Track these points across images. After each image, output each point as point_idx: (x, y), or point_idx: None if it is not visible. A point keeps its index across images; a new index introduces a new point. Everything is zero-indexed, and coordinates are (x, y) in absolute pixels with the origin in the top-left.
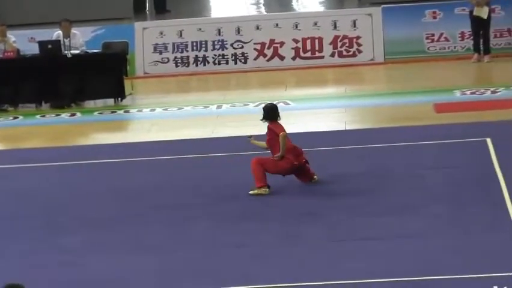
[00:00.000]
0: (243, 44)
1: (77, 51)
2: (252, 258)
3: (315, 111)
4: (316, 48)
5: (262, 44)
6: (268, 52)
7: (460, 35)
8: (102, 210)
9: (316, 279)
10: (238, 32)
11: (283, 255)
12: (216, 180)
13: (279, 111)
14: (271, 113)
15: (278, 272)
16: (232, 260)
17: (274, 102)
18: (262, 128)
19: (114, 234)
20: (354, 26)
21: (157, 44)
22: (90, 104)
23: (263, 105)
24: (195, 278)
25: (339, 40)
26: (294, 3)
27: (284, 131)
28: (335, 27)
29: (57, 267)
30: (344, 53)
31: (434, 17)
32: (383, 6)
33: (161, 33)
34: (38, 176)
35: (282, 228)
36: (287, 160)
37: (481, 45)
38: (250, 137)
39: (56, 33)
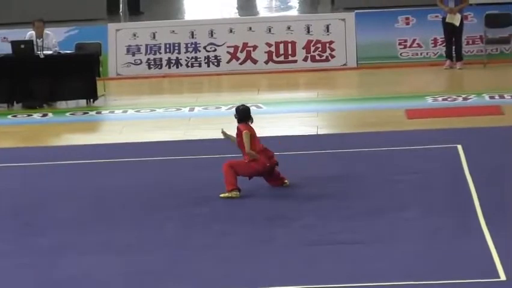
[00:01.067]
0: (216, 47)
1: (50, 52)
2: (223, 260)
3: (287, 115)
4: (290, 52)
5: (235, 47)
6: (241, 55)
7: (432, 42)
8: (73, 211)
9: (288, 283)
10: (212, 35)
11: (254, 258)
12: (187, 183)
13: (254, 115)
14: (242, 114)
15: (249, 275)
16: (203, 262)
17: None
18: (234, 131)
19: (85, 235)
20: (328, 31)
21: (130, 46)
22: (62, 104)
23: (237, 105)
24: (164, 279)
25: (312, 44)
26: (267, 7)
27: (249, 130)
28: (308, 31)
29: (28, 268)
30: (317, 57)
31: (407, 23)
32: (356, 11)
33: (135, 35)
34: (8, 176)
35: (253, 231)
36: (259, 162)
37: (453, 52)
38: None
39: (29, 34)
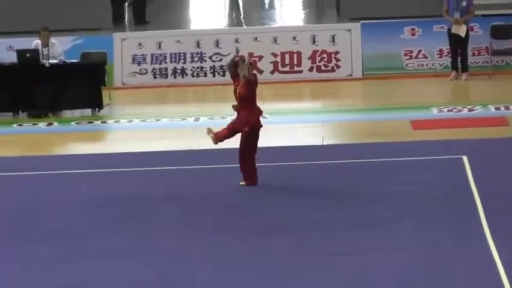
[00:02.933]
0: (221, 57)
1: (55, 61)
2: (220, 271)
3: (293, 126)
4: (295, 62)
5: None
6: None
7: (438, 52)
8: (76, 219)
9: None
10: (217, 45)
11: (251, 268)
12: (190, 192)
13: None
14: (230, 69)
15: (246, 285)
16: (201, 271)
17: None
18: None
19: (84, 243)
20: (333, 41)
21: (135, 55)
22: (67, 113)
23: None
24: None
25: (317, 55)
26: (273, 17)
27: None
28: (314, 41)
29: (23, 277)
30: (323, 67)
31: (413, 34)
32: (362, 22)
33: (140, 45)
34: (12, 185)
35: (251, 241)
36: (255, 112)
37: (459, 63)
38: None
39: (35, 42)
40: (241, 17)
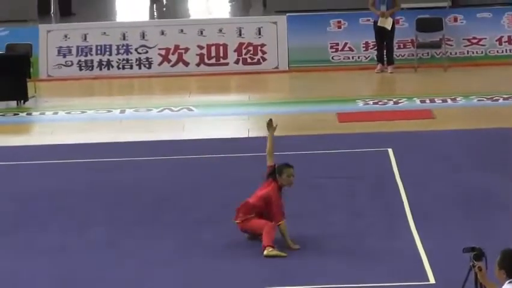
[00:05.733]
0: (147, 49)
1: None
2: (150, 263)
3: (219, 118)
4: (221, 55)
5: (167, 50)
6: (173, 58)
7: (363, 45)
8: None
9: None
10: (143, 37)
11: (182, 261)
12: (116, 184)
13: (186, 117)
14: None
15: (177, 277)
16: (129, 265)
17: (178, 109)
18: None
19: (10, 237)
20: (259, 34)
21: (61, 47)
22: None
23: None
24: (90, 281)
25: (243, 47)
26: (199, 9)
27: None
28: (240, 34)
29: None
30: (249, 60)
31: (339, 27)
32: (288, 14)
33: (66, 36)
34: None
35: (180, 233)
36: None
37: (385, 56)
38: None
39: None
40: (164, 9)
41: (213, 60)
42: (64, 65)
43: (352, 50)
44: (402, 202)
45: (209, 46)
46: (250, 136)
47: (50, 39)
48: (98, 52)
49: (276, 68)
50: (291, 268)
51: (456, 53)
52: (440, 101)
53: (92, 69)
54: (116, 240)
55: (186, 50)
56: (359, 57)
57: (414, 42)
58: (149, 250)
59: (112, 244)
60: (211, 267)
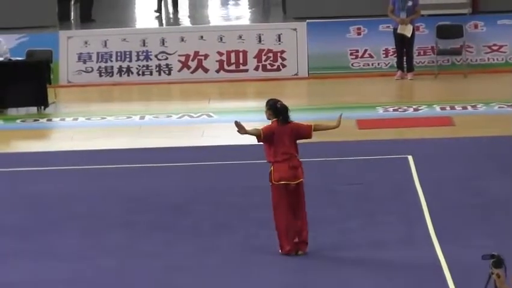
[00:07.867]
0: (167, 56)
1: (1, 59)
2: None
3: None
4: (241, 61)
5: (187, 56)
6: (193, 64)
7: (383, 52)
8: (18, 218)
9: None
10: (163, 44)
11: (198, 267)
12: (134, 190)
13: (205, 124)
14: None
15: (192, 282)
16: (146, 270)
17: (197, 115)
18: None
19: (27, 242)
20: (279, 40)
21: (81, 53)
22: (13, 111)
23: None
24: (107, 286)
25: (263, 54)
26: (219, 16)
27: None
28: (260, 41)
29: None
30: (268, 66)
31: (359, 33)
32: (308, 21)
33: (86, 43)
34: None
35: (197, 239)
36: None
37: (404, 63)
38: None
39: None
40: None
41: (233, 67)
42: (84, 71)
43: (372, 57)
44: (422, 210)
45: (229, 52)
46: None
47: (71, 46)
48: (118, 58)
49: (296, 74)
50: (307, 277)
51: (476, 60)
52: (460, 108)
53: (112, 75)
54: (133, 245)
55: (206, 56)
56: (378, 64)
57: (434, 49)
58: (167, 255)
59: (129, 249)
60: (227, 274)
